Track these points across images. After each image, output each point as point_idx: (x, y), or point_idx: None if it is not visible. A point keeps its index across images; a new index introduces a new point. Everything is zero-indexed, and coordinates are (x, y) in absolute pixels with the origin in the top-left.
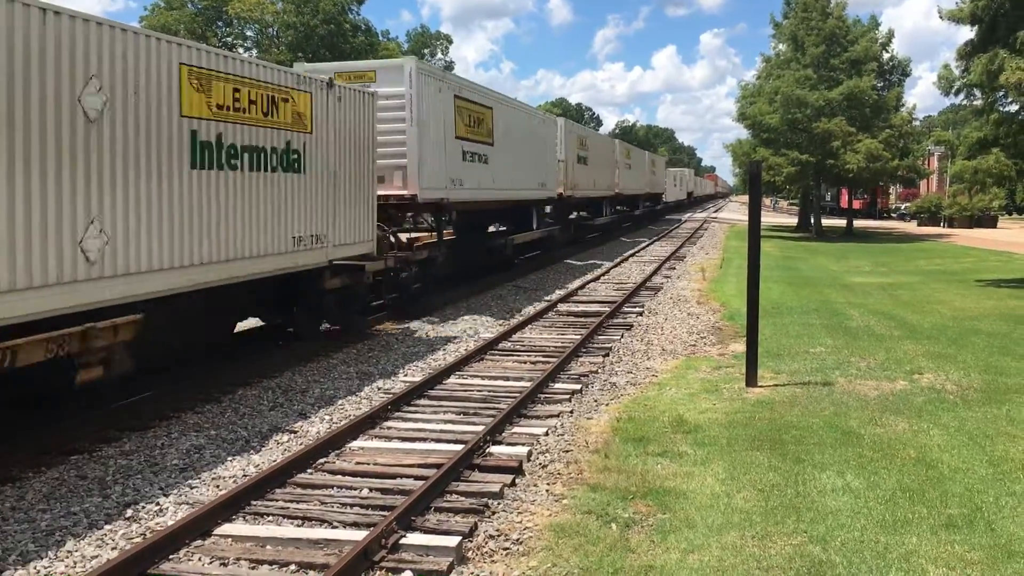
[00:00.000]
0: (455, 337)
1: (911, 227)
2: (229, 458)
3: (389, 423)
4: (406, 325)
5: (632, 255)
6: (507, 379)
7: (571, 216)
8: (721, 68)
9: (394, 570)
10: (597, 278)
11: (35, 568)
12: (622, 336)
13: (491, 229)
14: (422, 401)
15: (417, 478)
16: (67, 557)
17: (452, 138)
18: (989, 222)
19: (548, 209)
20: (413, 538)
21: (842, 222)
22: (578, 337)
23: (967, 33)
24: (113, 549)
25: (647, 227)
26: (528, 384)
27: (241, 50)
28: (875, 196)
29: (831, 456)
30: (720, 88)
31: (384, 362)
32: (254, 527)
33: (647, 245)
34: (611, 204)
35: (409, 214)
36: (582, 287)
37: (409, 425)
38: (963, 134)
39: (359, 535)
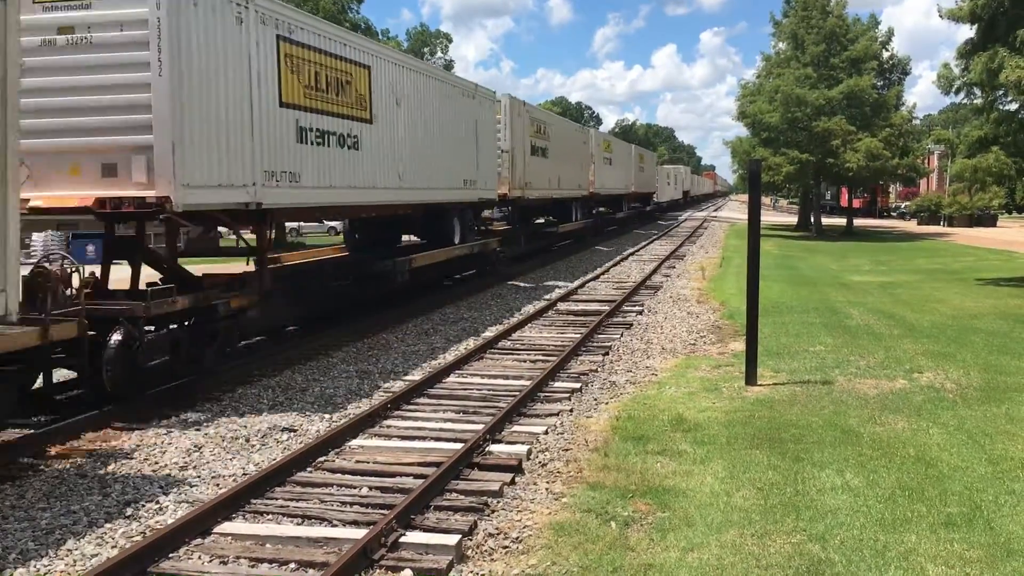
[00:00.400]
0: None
1: (911, 226)
2: (229, 457)
3: (389, 421)
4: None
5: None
6: (507, 377)
7: (537, 221)
8: (721, 67)
9: (394, 568)
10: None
11: (35, 566)
12: (622, 335)
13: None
14: (422, 399)
15: (417, 476)
16: (67, 556)
17: (274, 104)
18: (989, 221)
19: (497, 213)
20: (413, 536)
21: (842, 221)
22: (578, 336)
23: (967, 32)
24: (113, 548)
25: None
26: (528, 383)
27: None
28: (875, 195)
29: (830, 455)
30: (720, 87)
31: (384, 360)
32: (254, 525)
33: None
34: (585, 206)
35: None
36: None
37: (409, 423)
38: (963, 133)
39: (359, 533)
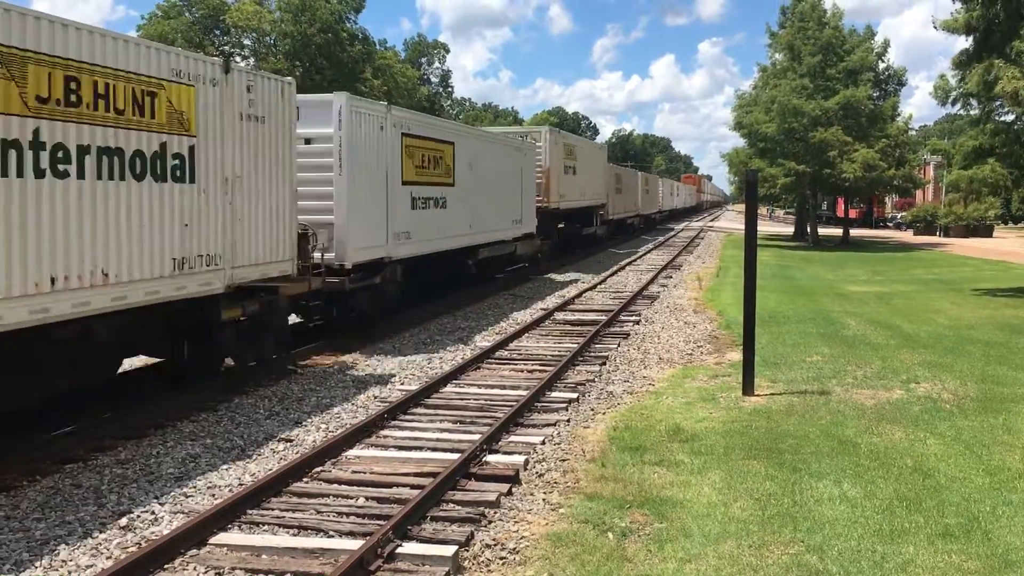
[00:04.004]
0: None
1: (907, 236)
2: (225, 467)
3: (385, 432)
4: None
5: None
6: (504, 387)
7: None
8: (719, 77)
9: None
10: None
11: None
12: (619, 345)
13: None
14: (418, 410)
15: (413, 487)
16: (62, 566)
17: None
18: (985, 231)
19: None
20: (409, 547)
21: (838, 231)
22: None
23: (963, 43)
24: (108, 558)
25: None
26: (525, 393)
27: (239, 59)
28: (871, 205)
29: (828, 465)
30: (718, 97)
31: (380, 370)
32: (250, 536)
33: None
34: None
35: None
36: None
37: (405, 434)
38: (958, 143)
39: (355, 544)
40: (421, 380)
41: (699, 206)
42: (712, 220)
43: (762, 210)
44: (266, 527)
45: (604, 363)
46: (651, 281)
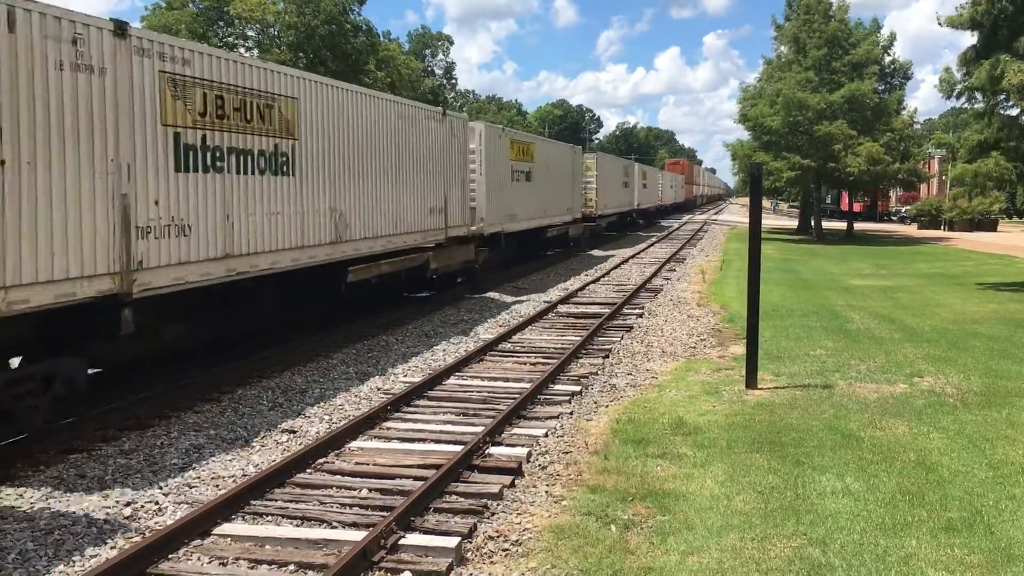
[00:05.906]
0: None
1: (911, 230)
2: (228, 458)
3: (388, 423)
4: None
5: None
6: (507, 380)
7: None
8: (724, 70)
9: (393, 571)
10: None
11: (34, 567)
12: (622, 338)
13: None
14: (421, 402)
15: (416, 479)
16: (66, 556)
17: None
18: (989, 225)
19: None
20: (412, 539)
21: (842, 225)
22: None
23: (969, 38)
24: (112, 548)
25: None
26: (528, 385)
27: (243, 50)
28: (875, 199)
29: (831, 459)
30: (723, 90)
31: (384, 362)
32: (253, 527)
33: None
34: None
35: None
36: None
37: (408, 426)
38: (963, 137)
39: (358, 535)
40: (424, 372)
41: (691, 202)
42: (716, 213)
43: (766, 203)
44: (270, 518)
45: (607, 356)
46: (655, 274)
